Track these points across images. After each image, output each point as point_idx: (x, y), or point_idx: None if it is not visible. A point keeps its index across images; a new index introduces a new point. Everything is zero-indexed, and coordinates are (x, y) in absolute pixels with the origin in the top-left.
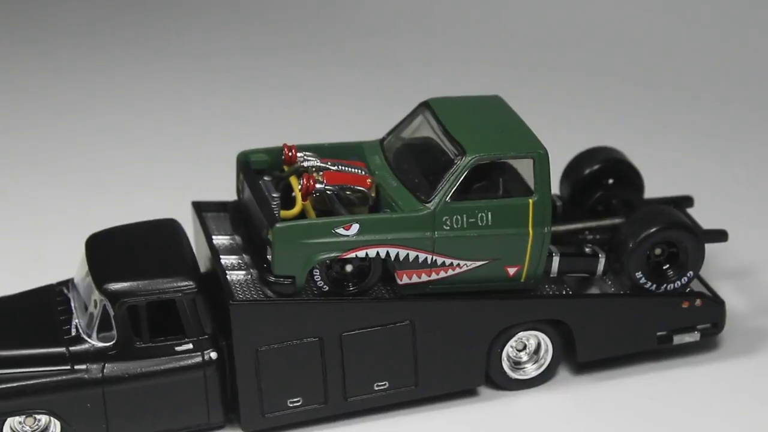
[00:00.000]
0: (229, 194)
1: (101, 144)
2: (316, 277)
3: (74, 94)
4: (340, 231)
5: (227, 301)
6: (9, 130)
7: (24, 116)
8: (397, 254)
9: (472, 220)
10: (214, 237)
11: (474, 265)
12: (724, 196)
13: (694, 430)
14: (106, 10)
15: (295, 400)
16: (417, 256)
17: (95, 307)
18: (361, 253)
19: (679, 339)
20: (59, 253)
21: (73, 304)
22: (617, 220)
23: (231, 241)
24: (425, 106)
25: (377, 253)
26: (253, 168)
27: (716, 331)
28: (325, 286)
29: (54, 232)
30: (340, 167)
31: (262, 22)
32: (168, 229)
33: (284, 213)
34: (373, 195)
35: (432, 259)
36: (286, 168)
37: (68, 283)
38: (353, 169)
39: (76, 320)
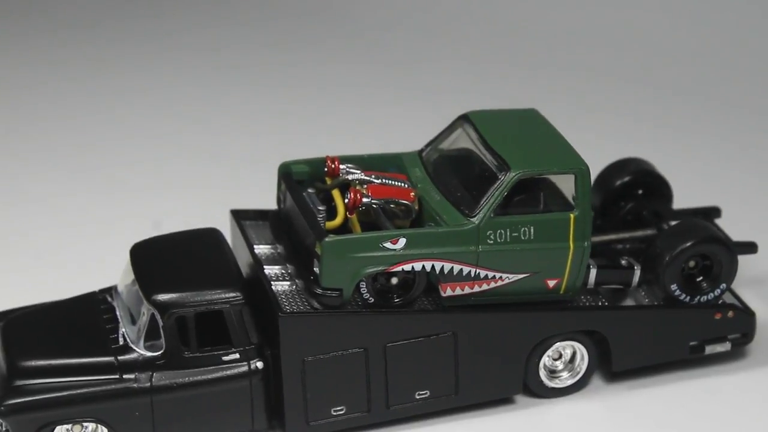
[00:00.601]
0: (256, 201)
1: (127, 145)
2: (362, 289)
3: (97, 91)
4: (388, 245)
5: (276, 313)
6: (20, 129)
7: (34, 116)
8: (442, 267)
9: (516, 234)
10: (255, 246)
11: (516, 278)
12: (750, 206)
13: None
14: (137, 4)
15: (338, 408)
16: (461, 269)
17: (143, 316)
18: (407, 267)
19: (710, 349)
20: (79, 257)
21: (118, 313)
22: (649, 232)
23: (272, 251)
24: (464, 119)
25: (423, 266)
26: (295, 179)
27: (746, 341)
28: (370, 298)
29: (75, 235)
30: (383, 180)
31: (298, 21)
32: (211, 238)
33: (328, 224)
34: (416, 208)
35: (475, 272)
36: (328, 180)
37: (111, 291)
38: (396, 183)
39: (123, 329)
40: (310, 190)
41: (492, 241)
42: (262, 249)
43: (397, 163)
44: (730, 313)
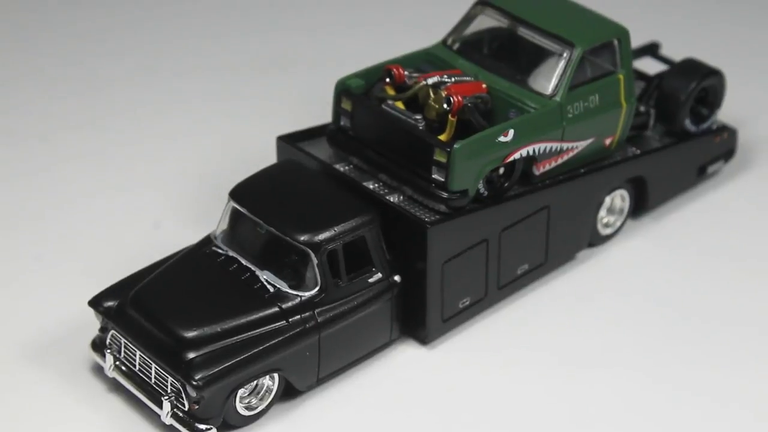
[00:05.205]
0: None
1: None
2: (479, 185)
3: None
4: (501, 139)
5: (422, 226)
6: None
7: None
8: (539, 149)
9: (586, 104)
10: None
11: (586, 143)
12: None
13: (745, 239)
14: None
15: (464, 300)
16: (551, 146)
17: (286, 258)
18: (517, 155)
19: (711, 169)
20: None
21: (244, 261)
22: None
23: (347, 167)
24: (484, 4)
25: (527, 151)
26: (354, 93)
27: (731, 156)
28: (485, 192)
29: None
30: (455, 79)
31: None
32: (300, 168)
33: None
34: (490, 98)
35: (560, 146)
36: (388, 89)
37: (214, 242)
38: (466, 78)
39: (263, 276)
40: (389, 102)
41: (571, 115)
42: (339, 167)
43: (430, 59)
44: (725, 135)
